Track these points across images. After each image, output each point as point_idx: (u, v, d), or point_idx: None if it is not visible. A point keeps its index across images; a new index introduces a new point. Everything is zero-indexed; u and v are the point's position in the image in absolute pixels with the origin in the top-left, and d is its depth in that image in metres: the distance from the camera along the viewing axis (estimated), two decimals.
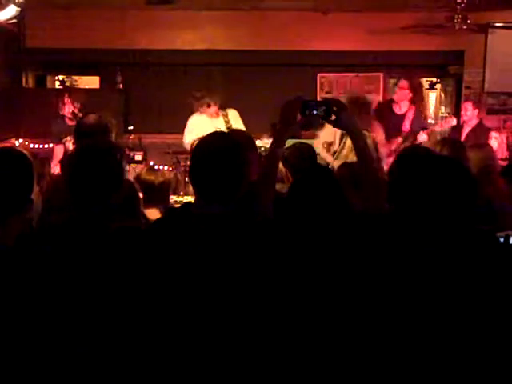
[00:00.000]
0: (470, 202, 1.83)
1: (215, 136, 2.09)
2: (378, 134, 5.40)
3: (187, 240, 1.89)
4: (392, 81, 8.90)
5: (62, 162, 3.97)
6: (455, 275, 1.76)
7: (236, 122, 5.62)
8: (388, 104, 6.28)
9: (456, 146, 3.89)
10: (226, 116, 5.63)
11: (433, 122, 8.07)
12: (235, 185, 1.94)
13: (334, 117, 2.27)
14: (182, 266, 1.86)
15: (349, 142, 4.54)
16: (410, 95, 6.07)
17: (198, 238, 1.88)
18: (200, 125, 5.45)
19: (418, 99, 6.45)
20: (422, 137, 5.66)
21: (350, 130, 2.32)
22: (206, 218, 1.91)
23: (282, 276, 1.88)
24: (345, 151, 4.59)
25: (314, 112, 2.24)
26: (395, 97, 6.07)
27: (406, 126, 5.97)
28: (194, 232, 1.90)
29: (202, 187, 1.96)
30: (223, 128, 5.07)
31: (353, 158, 4.31)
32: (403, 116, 6.03)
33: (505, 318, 1.74)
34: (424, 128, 5.87)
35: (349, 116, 2.28)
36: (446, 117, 6.73)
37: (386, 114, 6.12)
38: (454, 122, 6.03)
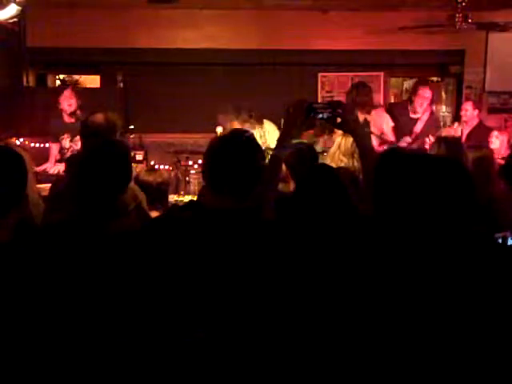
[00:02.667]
0: (465, 200, 1.81)
1: (237, 132, 2.11)
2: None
3: (202, 234, 1.87)
4: (406, 83, 8.94)
5: (68, 160, 3.94)
6: (453, 277, 1.76)
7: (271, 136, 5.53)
8: (404, 105, 6.18)
9: (452, 144, 3.90)
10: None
11: None
12: (252, 180, 1.94)
13: (338, 120, 2.26)
14: (196, 260, 1.84)
15: (338, 140, 4.54)
16: (430, 99, 5.96)
17: (213, 233, 1.86)
18: None
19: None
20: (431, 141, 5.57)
21: (355, 132, 2.32)
22: (221, 213, 1.89)
23: (290, 273, 1.88)
24: (333, 149, 4.59)
25: (320, 116, 2.23)
26: (416, 102, 5.90)
27: (419, 127, 5.91)
28: (209, 227, 1.88)
29: (218, 179, 1.94)
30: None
31: (339, 155, 4.37)
32: (417, 118, 5.95)
33: (503, 321, 1.75)
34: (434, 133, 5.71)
35: (353, 118, 2.28)
36: (451, 126, 6.51)
37: (400, 116, 6.02)
38: (458, 131, 5.96)
